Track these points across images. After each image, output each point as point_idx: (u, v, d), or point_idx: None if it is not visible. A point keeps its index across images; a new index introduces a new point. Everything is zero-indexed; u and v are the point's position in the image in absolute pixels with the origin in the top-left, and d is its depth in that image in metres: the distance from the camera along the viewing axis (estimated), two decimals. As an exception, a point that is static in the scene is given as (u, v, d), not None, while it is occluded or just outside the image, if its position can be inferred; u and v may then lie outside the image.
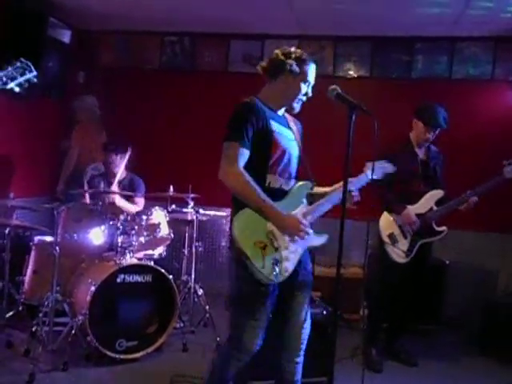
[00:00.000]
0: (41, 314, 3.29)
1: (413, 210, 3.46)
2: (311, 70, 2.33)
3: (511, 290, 4.42)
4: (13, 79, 2.22)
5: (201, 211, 3.93)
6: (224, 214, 4.53)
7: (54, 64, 4.51)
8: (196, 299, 3.92)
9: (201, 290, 3.91)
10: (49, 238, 3.71)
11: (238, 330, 2.26)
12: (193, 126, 5.09)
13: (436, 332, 4.28)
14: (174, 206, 4.00)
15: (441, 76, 4.72)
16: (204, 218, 4.06)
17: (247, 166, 2.19)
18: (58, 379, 3.02)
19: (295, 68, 2.28)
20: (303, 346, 2.37)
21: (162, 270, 3.43)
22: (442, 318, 4.34)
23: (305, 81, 2.32)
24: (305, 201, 2.35)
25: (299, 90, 2.31)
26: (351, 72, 4.90)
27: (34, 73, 2.24)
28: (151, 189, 4.33)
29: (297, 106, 2.37)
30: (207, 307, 3.87)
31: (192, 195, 3.97)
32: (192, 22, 4.80)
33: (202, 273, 4.31)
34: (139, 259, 3.61)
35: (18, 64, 2.23)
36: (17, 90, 2.23)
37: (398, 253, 3.44)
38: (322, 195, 2.37)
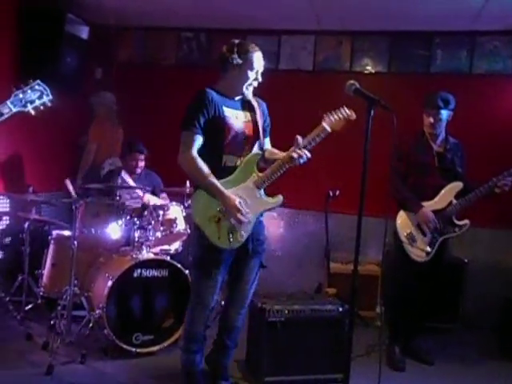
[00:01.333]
0: (59, 308, 3.34)
1: (431, 206, 3.40)
2: (256, 58, 2.59)
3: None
4: (32, 102, 2.29)
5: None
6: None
7: (71, 60, 4.53)
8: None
9: (216, 286, 3.92)
10: (67, 233, 3.75)
11: (197, 289, 2.67)
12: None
13: (454, 331, 4.23)
14: (190, 202, 4.01)
15: (461, 71, 4.64)
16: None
17: (205, 149, 2.53)
18: (75, 371, 3.06)
19: (238, 61, 2.55)
20: (249, 301, 2.81)
21: (179, 265, 3.45)
22: (460, 317, 4.28)
23: (251, 69, 2.57)
24: (255, 170, 2.60)
25: (247, 78, 2.58)
26: (369, 67, 4.85)
27: (50, 97, 2.33)
28: (168, 184, 4.35)
29: (248, 92, 2.62)
30: (223, 302, 3.87)
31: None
32: (208, 17, 4.79)
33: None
34: (156, 254, 3.64)
35: (36, 86, 2.29)
36: (32, 113, 2.31)
37: (417, 252, 3.38)
38: (277, 159, 2.58)
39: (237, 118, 2.62)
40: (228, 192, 2.50)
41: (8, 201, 4.21)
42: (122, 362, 3.23)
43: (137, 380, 3.04)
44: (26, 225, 3.59)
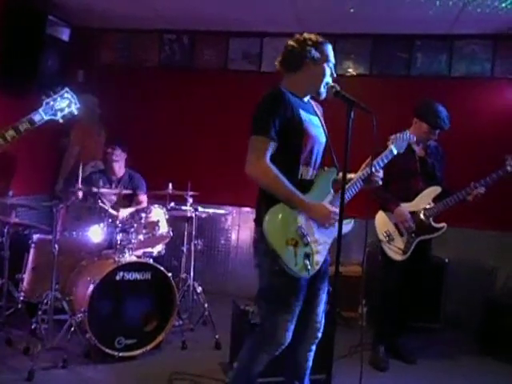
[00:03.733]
0: (40, 312, 3.30)
1: (408, 207, 3.46)
2: (330, 50, 2.32)
3: (510, 288, 4.43)
4: (61, 111, 2.28)
5: (200, 209, 3.93)
6: (223, 211, 4.54)
7: (52, 62, 4.48)
8: (195, 297, 3.92)
9: (200, 288, 3.91)
10: (48, 236, 3.71)
11: (271, 325, 2.26)
12: (192, 123, 5.08)
13: (435, 330, 4.28)
14: (173, 204, 4.01)
15: (440, 74, 4.72)
16: (203, 216, 4.06)
17: (278, 158, 2.19)
18: (57, 376, 3.03)
19: (316, 54, 2.25)
20: (320, 334, 2.41)
21: (161, 268, 3.43)
22: (441, 316, 4.34)
23: (328, 62, 2.29)
24: (331, 189, 2.34)
25: (324, 73, 2.27)
26: (350, 70, 4.89)
27: (78, 105, 2.31)
28: (150, 186, 4.34)
29: (323, 91, 2.31)
30: (206, 305, 3.87)
31: (191, 193, 3.97)
32: (191, 20, 4.79)
33: (201, 270, 4.32)
34: (138, 257, 3.62)
35: (65, 94, 2.29)
36: (60, 121, 2.29)
37: (395, 250, 3.44)
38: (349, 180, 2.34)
39: (313, 124, 2.30)
40: (313, 201, 2.22)
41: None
42: (105, 366, 3.20)
43: (119, 384, 3.02)
44: (6, 229, 3.54)
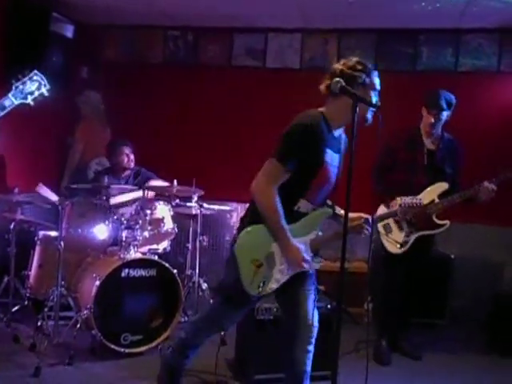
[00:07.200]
0: (46, 309, 3.31)
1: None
2: (377, 79, 2.31)
3: (517, 284, 4.42)
4: (31, 94, 2.26)
5: (205, 205, 3.93)
6: (228, 208, 4.54)
7: (57, 59, 4.49)
8: (200, 293, 3.92)
9: (205, 285, 3.92)
10: (53, 233, 3.72)
11: (216, 313, 2.56)
12: (196, 120, 5.08)
13: (441, 326, 4.27)
14: (178, 201, 4.00)
15: (446, 68, 4.68)
16: (208, 213, 4.06)
17: (285, 185, 2.23)
18: (63, 373, 3.04)
19: (367, 80, 2.24)
20: (314, 333, 2.40)
21: (167, 265, 3.44)
22: (447, 312, 4.32)
23: (374, 90, 2.28)
24: (318, 228, 2.36)
25: (371, 100, 2.24)
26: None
27: (48, 86, 2.29)
28: (155, 183, 4.34)
29: (369, 117, 2.28)
30: (211, 301, 3.87)
31: (196, 189, 3.96)
32: (195, 16, 4.78)
33: (206, 267, 4.31)
34: (143, 254, 3.62)
35: (34, 77, 2.27)
36: (31, 104, 2.27)
37: (392, 243, 3.40)
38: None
39: (332, 165, 2.30)
40: (295, 242, 2.26)
41: (-7, 202, 4.16)
42: (111, 363, 3.21)
43: (125, 380, 3.02)
44: (12, 226, 3.55)
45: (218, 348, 2.85)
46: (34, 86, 2.28)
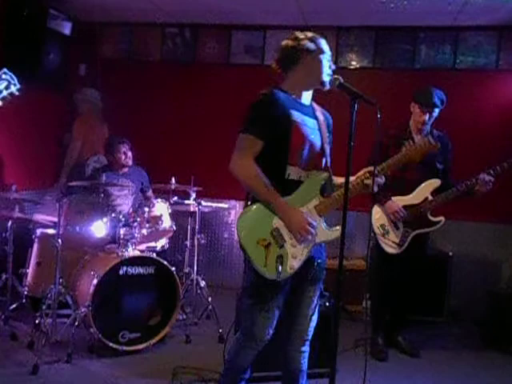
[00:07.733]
0: (44, 306, 3.30)
1: (406, 201, 3.41)
2: (324, 44, 2.31)
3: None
4: (0, 93, 2.22)
5: (203, 203, 3.93)
6: (226, 205, 4.54)
7: (54, 56, 4.48)
8: (199, 291, 3.92)
9: (203, 282, 3.92)
10: (51, 231, 3.71)
11: (249, 321, 2.27)
12: (195, 117, 5.07)
13: (439, 323, 4.27)
14: (176, 198, 4.00)
15: (444, 66, 4.68)
16: (206, 210, 4.06)
17: (266, 157, 2.18)
18: (61, 371, 3.03)
19: (311, 45, 2.26)
20: (309, 337, 2.37)
21: (165, 262, 3.43)
22: (445, 310, 4.33)
23: (322, 53, 2.28)
24: (319, 193, 2.25)
25: (321, 64, 2.26)
26: (354, 62, 4.86)
27: (18, 86, 2.25)
28: (153, 181, 4.33)
29: (327, 81, 2.26)
30: (210, 299, 3.87)
31: (194, 187, 3.96)
32: (193, 13, 4.77)
33: (204, 265, 4.32)
34: (141, 251, 3.62)
35: (3, 75, 2.23)
36: (0, 104, 2.23)
37: (389, 244, 3.42)
38: (341, 186, 2.18)
39: (305, 124, 2.25)
40: (294, 206, 2.15)
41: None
42: (109, 361, 3.21)
43: (124, 378, 3.02)
44: (9, 223, 3.54)
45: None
46: (3, 86, 2.24)
